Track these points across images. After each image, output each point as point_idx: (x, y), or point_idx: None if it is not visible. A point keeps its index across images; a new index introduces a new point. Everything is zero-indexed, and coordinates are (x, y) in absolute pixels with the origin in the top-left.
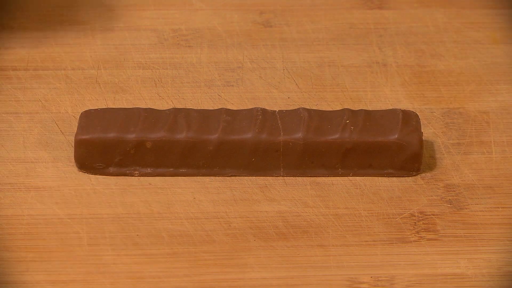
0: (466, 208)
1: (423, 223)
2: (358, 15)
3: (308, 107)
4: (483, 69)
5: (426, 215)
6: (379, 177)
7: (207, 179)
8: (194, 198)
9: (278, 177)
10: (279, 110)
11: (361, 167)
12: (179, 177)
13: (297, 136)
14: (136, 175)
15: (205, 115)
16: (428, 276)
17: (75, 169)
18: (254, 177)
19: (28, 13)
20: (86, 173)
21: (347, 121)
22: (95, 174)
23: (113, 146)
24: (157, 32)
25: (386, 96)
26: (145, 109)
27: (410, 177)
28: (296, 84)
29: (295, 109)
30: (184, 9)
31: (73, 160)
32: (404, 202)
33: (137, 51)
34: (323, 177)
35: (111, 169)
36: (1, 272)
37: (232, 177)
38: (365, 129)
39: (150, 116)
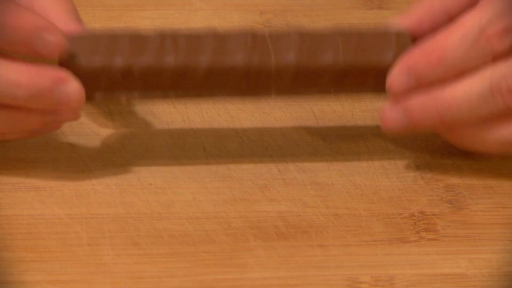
0: (466, 208)
1: (423, 223)
2: (358, 15)
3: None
4: None
5: (426, 215)
6: (379, 176)
7: (207, 179)
8: (194, 198)
9: (278, 177)
10: (269, 33)
11: (357, 90)
12: (179, 176)
13: (289, 57)
14: (123, 100)
15: (193, 36)
16: (428, 276)
17: (75, 169)
18: (254, 176)
19: None
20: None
21: (339, 42)
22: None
23: (100, 75)
24: None
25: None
26: (132, 34)
27: (410, 177)
28: None
29: (286, 32)
30: (184, 9)
31: (73, 160)
32: (404, 202)
33: None
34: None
35: (99, 94)
36: (1, 272)
37: (232, 176)
38: (359, 50)
39: (137, 39)
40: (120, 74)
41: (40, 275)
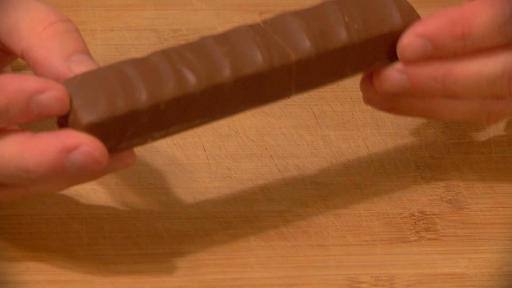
0: (466, 208)
1: (423, 223)
2: None
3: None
4: None
5: (426, 214)
6: (379, 176)
7: (207, 179)
8: (194, 198)
9: (278, 177)
10: (263, 24)
11: (369, 63)
12: (179, 176)
13: (305, 47)
14: (149, 142)
15: (200, 50)
16: (428, 276)
17: None
18: (254, 176)
19: None
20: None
21: (343, 16)
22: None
23: (125, 120)
24: (157, 32)
25: None
26: (133, 62)
27: (410, 177)
28: None
29: (278, 17)
30: (184, 9)
31: None
32: (404, 202)
33: (137, 51)
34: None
35: (123, 145)
36: (1, 272)
37: (232, 176)
38: (366, 21)
39: (145, 68)
40: (146, 115)
41: (40, 275)
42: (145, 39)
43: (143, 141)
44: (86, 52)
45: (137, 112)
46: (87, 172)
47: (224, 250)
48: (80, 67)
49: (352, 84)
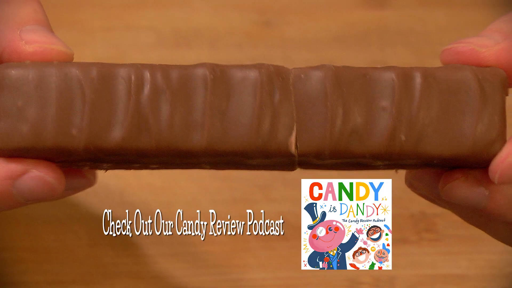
0: None
1: (424, 223)
2: (358, 15)
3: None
4: None
5: (426, 215)
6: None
7: (207, 179)
8: (194, 198)
9: (278, 177)
10: (293, 79)
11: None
12: (179, 176)
13: (320, 147)
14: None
15: (180, 94)
16: (429, 277)
17: None
18: (254, 176)
19: None
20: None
21: (395, 131)
22: None
23: (57, 153)
24: (156, 32)
25: None
26: (91, 84)
27: None
28: None
29: (318, 77)
30: (184, 9)
31: None
32: (405, 202)
33: (136, 51)
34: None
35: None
36: (0, 272)
37: (232, 176)
38: (422, 137)
39: (100, 99)
40: (82, 154)
41: (40, 276)
42: (144, 38)
43: (96, 167)
44: (44, 24)
45: (71, 151)
46: (41, 198)
47: (224, 251)
48: (34, 35)
49: None
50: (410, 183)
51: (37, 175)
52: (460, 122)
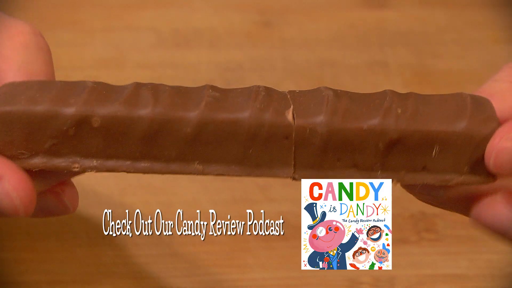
0: None
1: (424, 223)
2: (358, 15)
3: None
4: (483, 69)
5: (426, 215)
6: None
7: (207, 179)
8: (194, 198)
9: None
10: (290, 90)
11: (411, 170)
12: (179, 176)
13: (317, 120)
14: (75, 169)
15: (181, 90)
16: (429, 277)
17: None
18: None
19: (28, 13)
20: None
21: (392, 104)
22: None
23: (43, 124)
24: (157, 32)
25: None
26: (96, 81)
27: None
28: (296, 84)
29: (315, 88)
30: (184, 9)
31: None
32: (404, 202)
33: (136, 51)
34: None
35: (38, 159)
36: (0, 272)
37: (231, 176)
38: (418, 114)
39: (101, 87)
40: (71, 125)
41: (40, 276)
42: (144, 39)
43: (66, 166)
44: (51, 77)
45: (59, 117)
46: (2, 213)
47: (224, 251)
48: None
49: (352, 85)
50: (423, 199)
51: (5, 189)
52: (454, 110)
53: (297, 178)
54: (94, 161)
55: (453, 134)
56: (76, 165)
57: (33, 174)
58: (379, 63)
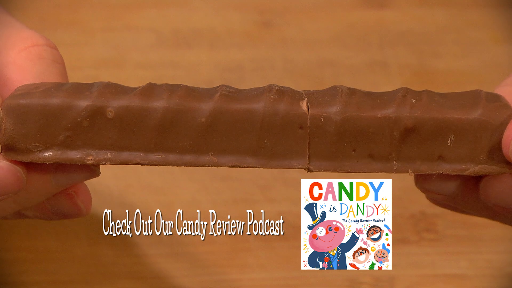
0: None
1: (424, 223)
2: (358, 15)
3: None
4: (483, 69)
5: (426, 215)
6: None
7: (207, 179)
8: (194, 198)
9: (278, 177)
10: (305, 90)
11: (426, 159)
12: (179, 176)
13: (332, 109)
14: (89, 161)
15: (196, 88)
16: (429, 277)
17: None
18: (254, 176)
19: (28, 13)
20: (13, 160)
21: (407, 95)
22: (27, 160)
23: (58, 115)
24: (157, 32)
25: None
26: (110, 82)
27: (411, 177)
28: (296, 84)
29: (329, 87)
30: (184, 9)
31: None
32: (404, 202)
33: (136, 51)
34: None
35: (52, 152)
36: (0, 272)
37: (232, 176)
38: (433, 103)
39: (115, 85)
40: (86, 117)
41: (40, 276)
42: (145, 39)
43: (81, 159)
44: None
45: (74, 108)
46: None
47: (224, 251)
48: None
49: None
50: (430, 198)
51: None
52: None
53: (311, 169)
54: (108, 153)
55: (468, 121)
56: (90, 158)
57: (53, 169)
58: (379, 63)
